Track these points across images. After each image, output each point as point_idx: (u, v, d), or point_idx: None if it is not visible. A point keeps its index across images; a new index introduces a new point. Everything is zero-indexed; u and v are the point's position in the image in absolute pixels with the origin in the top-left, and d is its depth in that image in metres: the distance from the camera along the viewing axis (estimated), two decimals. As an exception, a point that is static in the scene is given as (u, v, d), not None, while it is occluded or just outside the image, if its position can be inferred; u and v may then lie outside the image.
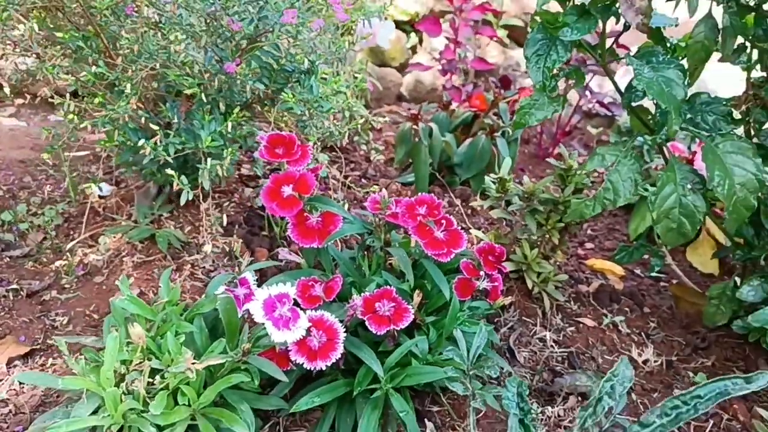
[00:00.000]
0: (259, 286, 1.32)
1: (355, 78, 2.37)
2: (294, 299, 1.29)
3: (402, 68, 4.14)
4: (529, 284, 1.72)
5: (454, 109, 2.41)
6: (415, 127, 2.16)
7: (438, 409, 1.39)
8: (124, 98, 1.39)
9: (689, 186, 1.43)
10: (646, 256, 2.08)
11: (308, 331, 1.23)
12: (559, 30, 1.35)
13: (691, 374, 1.60)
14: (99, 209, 2.11)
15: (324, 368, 1.22)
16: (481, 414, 1.38)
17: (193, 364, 1.19)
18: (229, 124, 1.50)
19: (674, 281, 2.01)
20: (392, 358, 1.26)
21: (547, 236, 1.72)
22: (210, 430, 1.18)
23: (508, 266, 1.71)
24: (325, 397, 1.27)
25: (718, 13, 1.38)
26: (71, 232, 2.04)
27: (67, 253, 1.92)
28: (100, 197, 2.21)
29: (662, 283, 2.03)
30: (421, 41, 4.37)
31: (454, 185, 2.31)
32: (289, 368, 1.27)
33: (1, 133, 2.82)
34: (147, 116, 1.58)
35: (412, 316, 1.26)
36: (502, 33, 4.25)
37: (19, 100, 3.13)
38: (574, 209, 1.51)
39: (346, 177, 2.47)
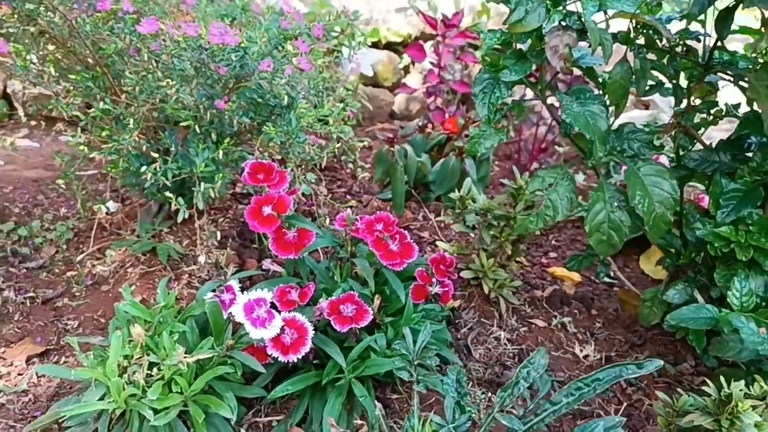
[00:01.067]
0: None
1: (343, 103, 2.60)
2: (272, 303, 1.52)
3: (394, 88, 4.36)
4: (486, 290, 1.94)
5: (430, 132, 2.64)
6: (391, 148, 2.39)
7: (396, 396, 1.61)
8: (128, 131, 1.63)
9: (616, 204, 1.65)
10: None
11: (282, 329, 1.45)
12: (500, 71, 1.58)
13: (626, 368, 1.81)
14: (106, 225, 2.35)
15: (296, 361, 1.45)
16: (433, 400, 1.60)
17: (184, 357, 1.42)
18: (220, 152, 1.73)
19: (625, 287, 2.23)
20: (354, 352, 1.49)
21: (503, 247, 1.94)
22: (199, 414, 1.41)
23: (467, 274, 1.93)
24: (298, 385, 1.49)
25: (632, 56, 1.61)
26: (81, 246, 2.27)
27: (77, 265, 2.15)
28: (107, 214, 2.44)
29: (615, 289, 2.24)
30: (413, 62, 4.60)
31: (428, 201, 2.54)
32: (267, 362, 1.50)
33: (16, 153, 3.06)
34: (148, 144, 1.82)
35: (372, 317, 1.49)
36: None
37: (32, 122, 3.40)
38: (520, 224, 1.73)
39: (332, 193, 2.71)
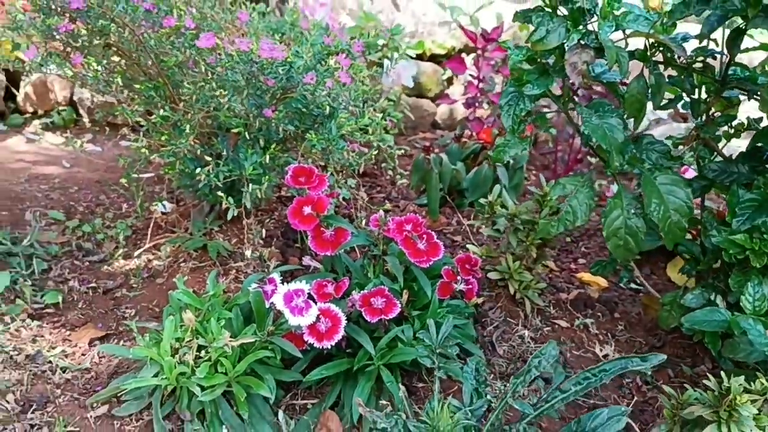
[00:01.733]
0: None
1: (384, 113, 2.75)
2: (310, 294, 1.67)
3: (437, 99, 4.50)
4: (512, 290, 2.05)
5: (466, 141, 2.77)
6: (427, 157, 2.52)
7: (422, 385, 1.74)
8: (185, 136, 1.80)
9: (633, 211, 1.75)
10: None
11: (318, 318, 1.60)
12: (524, 85, 1.70)
13: (644, 368, 1.91)
14: (161, 223, 2.54)
15: (330, 348, 1.59)
16: (455, 388, 1.73)
17: (229, 341, 1.58)
18: (267, 157, 1.89)
19: (649, 293, 2.31)
20: (383, 341, 1.63)
21: (529, 251, 2.05)
22: (242, 393, 1.56)
23: (494, 275, 2.06)
24: (332, 371, 1.64)
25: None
26: (138, 242, 2.46)
27: (135, 259, 2.35)
28: (163, 213, 2.63)
29: (640, 295, 2.33)
30: (455, 74, 4.73)
31: (462, 207, 2.67)
32: (304, 348, 1.64)
33: (81, 157, 3.30)
34: (202, 149, 1.99)
35: (400, 310, 1.63)
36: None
37: (96, 128, 3.65)
38: (542, 227, 1.85)
39: (371, 198, 2.85)
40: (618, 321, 2.13)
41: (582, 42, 1.63)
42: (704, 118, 1.83)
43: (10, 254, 2.17)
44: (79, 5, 1.70)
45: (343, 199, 2.53)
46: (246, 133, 1.90)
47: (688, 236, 1.98)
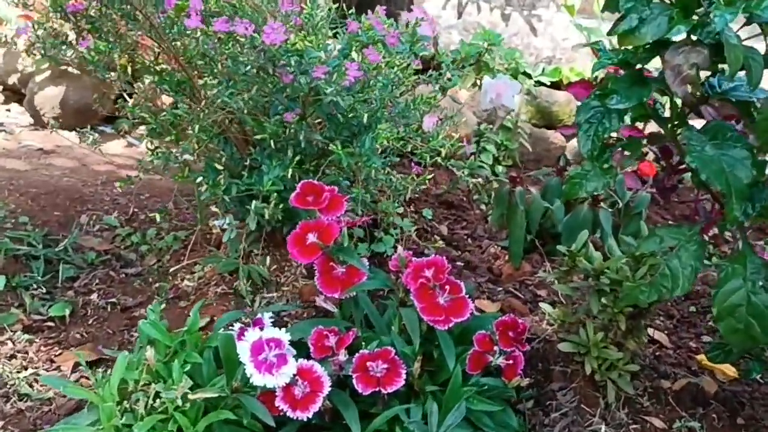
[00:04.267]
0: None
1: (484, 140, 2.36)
2: (304, 344, 1.31)
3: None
4: (588, 370, 1.56)
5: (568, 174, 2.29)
6: (512, 189, 2.08)
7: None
8: (189, 137, 1.52)
9: (761, 283, 1.23)
10: None
11: (295, 379, 1.23)
12: (608, 97, 1.25)
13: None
14: (211, 239, 2.29)
15: (308, 420, 1.21)
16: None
17: (185, 393, 1.25)
18: (290, 171, 1.56)
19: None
20: (375, 424, 1.22)
21: (617, 321, 1.55)
22: (192, 464, 1.22)
23: (567, 347, 1.58)
24: (310, 452, 1.25)
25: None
26: (182, 258, 2.22)
27: (170, 277, 2.10)
28: (221, 229, 2.38)
29: (784, 395, 1.74)
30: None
31: (554, 255, 2.18)
32: (281, 413, 1.27)
33: (169, 165, 3.16)
34: (232, 158, 1.71)
35: (403, 382, 1.21)
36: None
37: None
38: (628, 293, 1.36)
39: (453, 234, 2.44)
40: (741, 429, 1.57)
41: (692, 37, 1.15)
42: None
43: (33, 257, 1.99)
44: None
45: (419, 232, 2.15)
46: (272, 142, 1.59)
47: None
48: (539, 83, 4.26)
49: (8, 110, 3.56)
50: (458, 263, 2.15)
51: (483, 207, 2.62)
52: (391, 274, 1.43)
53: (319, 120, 1.63)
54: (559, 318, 1.67)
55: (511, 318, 1.39)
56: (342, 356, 1.24)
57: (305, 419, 1.21)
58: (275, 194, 1.50)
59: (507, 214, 2.09)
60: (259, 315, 1.37)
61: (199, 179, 1.55)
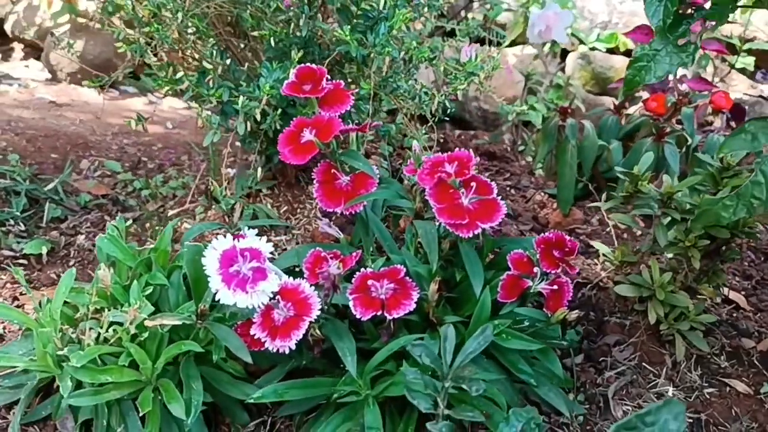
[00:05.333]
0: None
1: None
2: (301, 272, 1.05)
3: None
4: (651, 319, 1.26)
5: (628, 113, 1.97)
6: (562, 123, 1.77)
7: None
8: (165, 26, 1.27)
9: None
10: None
11: (277, 299, 0.96)
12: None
13: None
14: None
15: (289, 351, 0.95)
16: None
17: (143, 320, 1.00)
18: (291, 72, 1.30)
19: None
20: (377, 358, 0.94)
21: (690, 259, 1.25)
22: (146, 404, 0.97)
23: (625, 290, 1.28)
24: (295, 393, 0.99)
25: None
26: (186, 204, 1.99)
27: (168, 221, 1.87)
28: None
29: None
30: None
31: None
32: (263, 349, 1.01)
33: (190, 121, 2.96)
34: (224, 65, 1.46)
35: (413, 305, 0.93)
36: (748, 60, 3.58)
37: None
38: (705, 210, 1.06)
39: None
40: None
41: None
42: None
43: (14, 192, 1.78)
44: None
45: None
46: (272, 41, 1.33)
47: None
48: (594, 49, 3.95)
49: (27, 66, 3.41)
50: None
51: (529, 159, 2.32)
52: (407, 184, 1.15)
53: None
54: (616, 258, 1.37)
55: (556, 234, 1.10)
56: (334, 268, 0.97)
57: (287, 350, 0.94)
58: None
59: (556, 152, 1.78)
60: (243, 230, 1.11)
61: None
